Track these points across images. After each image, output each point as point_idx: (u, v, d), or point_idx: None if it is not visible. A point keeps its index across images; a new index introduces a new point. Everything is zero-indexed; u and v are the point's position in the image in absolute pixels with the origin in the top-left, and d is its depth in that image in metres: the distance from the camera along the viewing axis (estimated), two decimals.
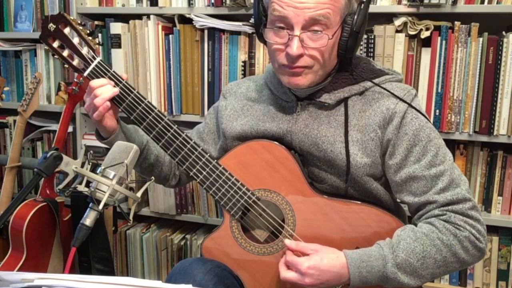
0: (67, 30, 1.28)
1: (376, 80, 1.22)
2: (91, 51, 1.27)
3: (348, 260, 1.13)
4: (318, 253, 1.15)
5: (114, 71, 1.27)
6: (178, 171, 1.47)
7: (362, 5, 1.16)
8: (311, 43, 1.13)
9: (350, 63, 1.23)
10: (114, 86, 1.26)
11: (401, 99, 1.19)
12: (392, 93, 1.20)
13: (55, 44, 1.28)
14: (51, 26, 1.27)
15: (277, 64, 1.19)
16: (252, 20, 1.88)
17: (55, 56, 1.29)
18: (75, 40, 1.28)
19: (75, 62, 1.29)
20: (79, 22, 1.30)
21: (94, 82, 1.24)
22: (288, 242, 1.20)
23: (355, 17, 1.14)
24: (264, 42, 1.23)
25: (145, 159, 1.38)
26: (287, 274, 1.16)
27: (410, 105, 1.19)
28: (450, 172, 1.16)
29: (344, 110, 1.22)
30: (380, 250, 1.13)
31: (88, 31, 1.30)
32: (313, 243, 1.19)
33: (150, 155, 1.39)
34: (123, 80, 1.27)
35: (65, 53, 1.29)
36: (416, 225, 1.18)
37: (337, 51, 1.18)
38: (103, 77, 1.26)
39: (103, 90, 1.23)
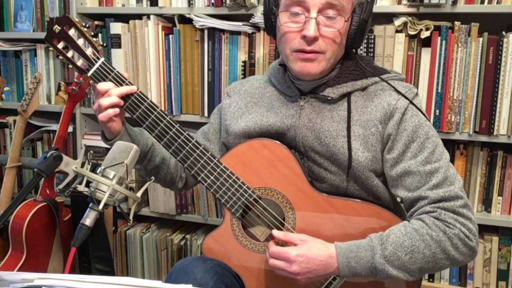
0: (71, 32, 1.29)
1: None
2: (95, 51, 1.28)
3: (338, 249, 1.15)
4: (307, 243, 1.16)
5: (117, 71, 1.28)
6: (184, 173, 1.47)
7: None
8: (326, 27, 1.16)
9: (356, 54, 1.25)
10: (118, 85, 1.26)
11: (403, 95, 1.21)
12: (395, 89, 1.22)
13: (60, 45, 1.30)
14: (56, 27, 1.28)
15: (290, 50, 1.20)
16: (252, 20, 1.88)
17: (60, 57, 1.31)
18: (80, 42, 1.29)
19: (79, 62, 1.30)
20: (83, 24, 1.31)
21: (101, 85, 1.25)
22: (276, 232, 1.21)
23: (365, 5, 1.18)
24: (273, 35, 1.24)
25: (150, 161, 1.38)
26: (275, 262, 1.17)
27: (411, 101, 1.21)
28: (445, 170, 1.17)
29: (347, 105, 1.23)
30: (369, 242, 1.15)
31: (92, 33, 1.31)
32: None
33: (155, 157, 1.39)
34: (126, 80, 1.27)
35: (69, 54, 1.30)
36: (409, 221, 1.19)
37: (345, 42, 1.21)
38: (106, 76, 1.27)
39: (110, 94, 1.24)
